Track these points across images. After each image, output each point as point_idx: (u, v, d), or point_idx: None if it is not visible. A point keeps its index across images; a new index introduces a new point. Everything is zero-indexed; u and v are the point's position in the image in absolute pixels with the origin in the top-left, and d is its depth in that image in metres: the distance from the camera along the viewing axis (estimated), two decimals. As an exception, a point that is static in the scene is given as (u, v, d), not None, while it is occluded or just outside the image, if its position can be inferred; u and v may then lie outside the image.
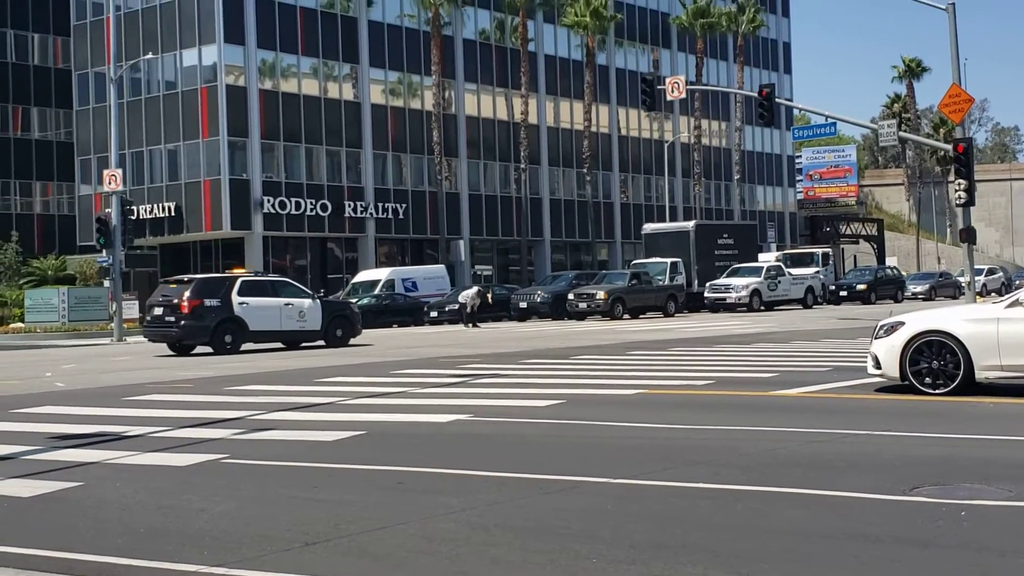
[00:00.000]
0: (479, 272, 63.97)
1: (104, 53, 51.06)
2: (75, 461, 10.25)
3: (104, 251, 41.52)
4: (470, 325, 40.83)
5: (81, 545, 6.87)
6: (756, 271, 49.77)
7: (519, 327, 40.74)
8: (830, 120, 41.57)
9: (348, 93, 60.36)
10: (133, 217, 45.31)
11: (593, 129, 69.86)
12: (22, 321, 49.92)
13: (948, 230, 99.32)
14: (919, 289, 60.54)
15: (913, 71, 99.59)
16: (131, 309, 45.27)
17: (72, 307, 48.10)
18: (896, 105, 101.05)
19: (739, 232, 56.60)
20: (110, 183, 40.71)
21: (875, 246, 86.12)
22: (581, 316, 44.23)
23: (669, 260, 48.84)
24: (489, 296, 44.48)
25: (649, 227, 55.51)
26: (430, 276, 51.80)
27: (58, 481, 9.13)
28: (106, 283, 44.15)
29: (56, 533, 7.27)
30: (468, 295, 41.95)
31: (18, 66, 67.68)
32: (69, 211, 65.44)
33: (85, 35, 60.37)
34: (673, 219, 67.71)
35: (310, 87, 58.68)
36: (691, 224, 53.88)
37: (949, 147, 36.23)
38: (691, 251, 50.78)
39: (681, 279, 48.67)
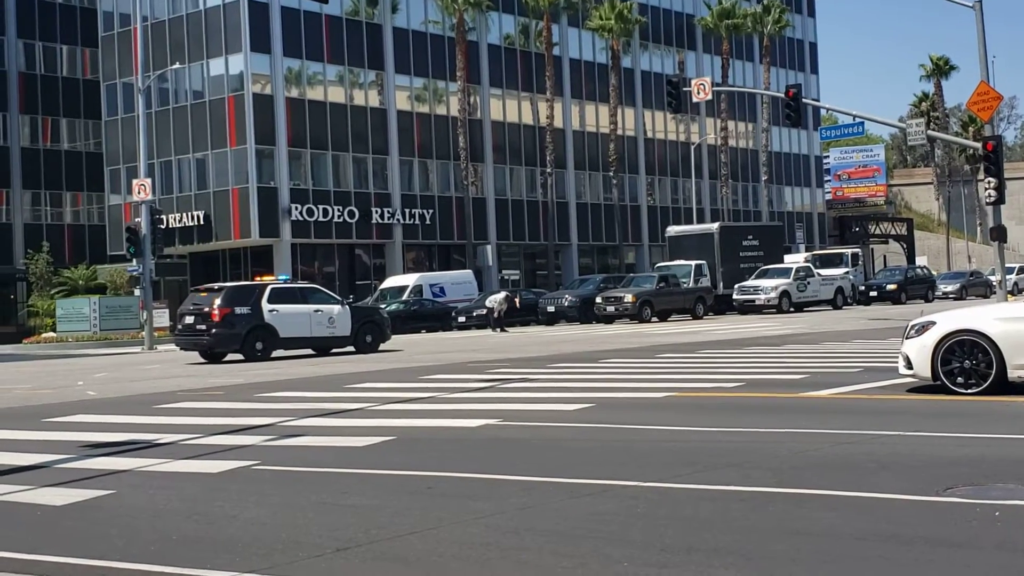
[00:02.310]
0: (506, 277, 64.01)
1: (132, 64, 51.43)
2: (107, 469, 10.32)
3: (134, 260, 41.82)
4: (498, 330, 40.84)
5: (114, 553, 6.91)
6: (785, 272, 49.51)
7: (547, 331, 40.71)
8: (858, 120, 41.54)
9: (374, 100, 60.54)
10: (162, 226, 45.46)
11: (619, 132, 69.78)
12: (54, 330, 50.33)
13: (978, 229, 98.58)
14: (950, 288, 60.07)
15: (941, 69, 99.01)
16: (162, 317, 45.58)
17: (103, 316, 48.46)
18: (924, 104, 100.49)
19: (764, 233, 56.35)
20: (139, 192, 41.01)
21: (905, 246, 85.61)
22: (609, 319, 44.15)
23: (694, 262, 48.62)
24: (516, 300, 44.51)
25: (673, 229, 55.35)
26: (457, 281, 51.87)
27: (91, 489, 9.19)
28: (137, 292, 44.43)
29: (89, 541, 7.31)
30: (496, 300, 41.98)
31: (47, 78, 68.21)
32: (99, 221, 65.88)
33: (113, 46, 60.82)
34: (700, 221, 67.52)
35: (336, 94, 58.89)
36: (715, 226, 53.68)
37: (978, 145, 35.99)
38: (716, 253, 50.57)
39: (706, 281, 48.45)
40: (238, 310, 28.22)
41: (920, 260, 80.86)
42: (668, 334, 33.10)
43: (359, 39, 59.69)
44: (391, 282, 51.78)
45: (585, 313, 45.51)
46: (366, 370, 22.54)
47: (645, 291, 44.64)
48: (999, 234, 33.36)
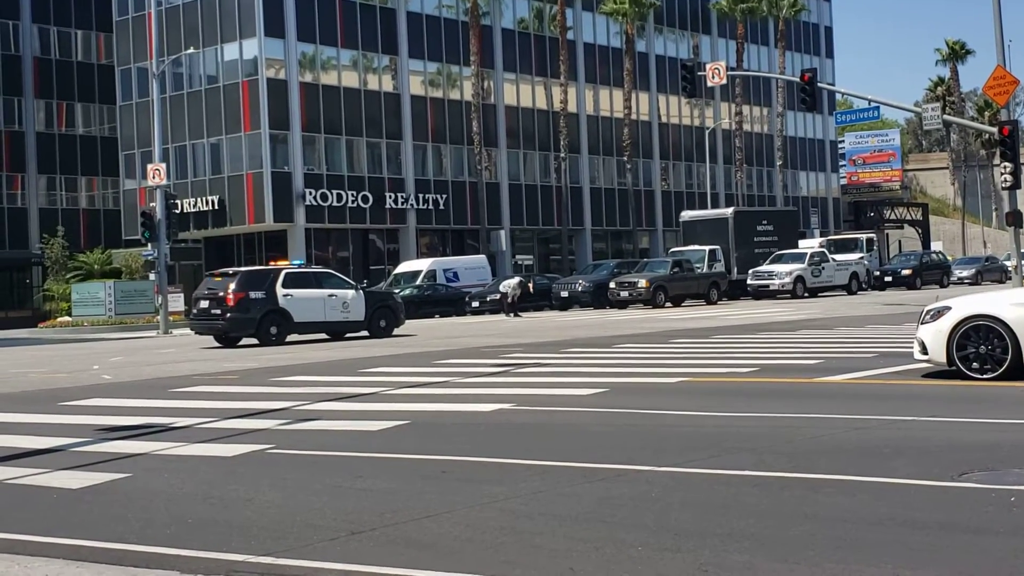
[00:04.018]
0: (520, 262, 64.00)
1: (146, 48, 51.44)
2: (123, 452, 10.36)
3: (149, 245, 41.96)
4: (511, 315, 40.83)
5: (130, 536, 6.94)
6: (800, 257, 49.39)
7: (560, 316, 40.71)
8: (873, 104, 41.32)
9: (388, 85, 60.49)
10: (177, 211, 45.61)
11: (633, 117, 69.60)
12: (69, 315, 50.48)
13: (994, 214, 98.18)
14: (965, 274, 59.90)
15: (957, 54, 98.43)
16: (176, 302, 45.69)
17: (118, 300, 48.56)
18: (940, 88, 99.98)
19: (778, 218, 56.17)
20: (154, 177, 41.12)
21: (920, 231, 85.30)
22: (623, 305, 44.11)
23: (707, 248, 48.53)
24: (530, 285, 44.51)
25: (687, 214, 55.23)
26: (471, 266, 51.87)
27: (107, 472, 9.23)
28: (152, 276, 44.56)
29: (106, 524, 7.35)
30: (510, 285, 41.94)
31: (62, 62, 68.32)
32: (114, 206, 66.08)
33: (127, 31, 60.88)
34: (715, 206, 67.36)
35: (350, 79, 58.86)
36: (729, 211, 53.54)
37: (994, 130, 35.81)
38: (730, 238, 50.44)
39: (720, 266, 48.37)
40: (252, 294, 28.31)
41: (935, 245, 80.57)
42: (682, 319, 33.07)
43: (373, 23, 59.63)
44: (405, 267, 51.81)
45: (599, 298, 45.46)
46: (380, 355, 22.58)
47: (659, 276, 44.57)
48: (1015, 219, 33.22)
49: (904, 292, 50.34)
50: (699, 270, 46.87)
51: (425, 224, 61.08)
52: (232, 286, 28.34)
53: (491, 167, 64.23)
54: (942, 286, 53.43)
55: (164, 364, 22.69)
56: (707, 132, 73.91)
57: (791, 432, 10.03)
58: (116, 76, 62.26)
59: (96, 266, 57.32)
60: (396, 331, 30.49)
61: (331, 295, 29.37)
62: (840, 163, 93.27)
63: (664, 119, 74.78)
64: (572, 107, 67.38)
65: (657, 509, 7.11)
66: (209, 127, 57.16)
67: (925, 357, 13.71)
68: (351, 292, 29.83)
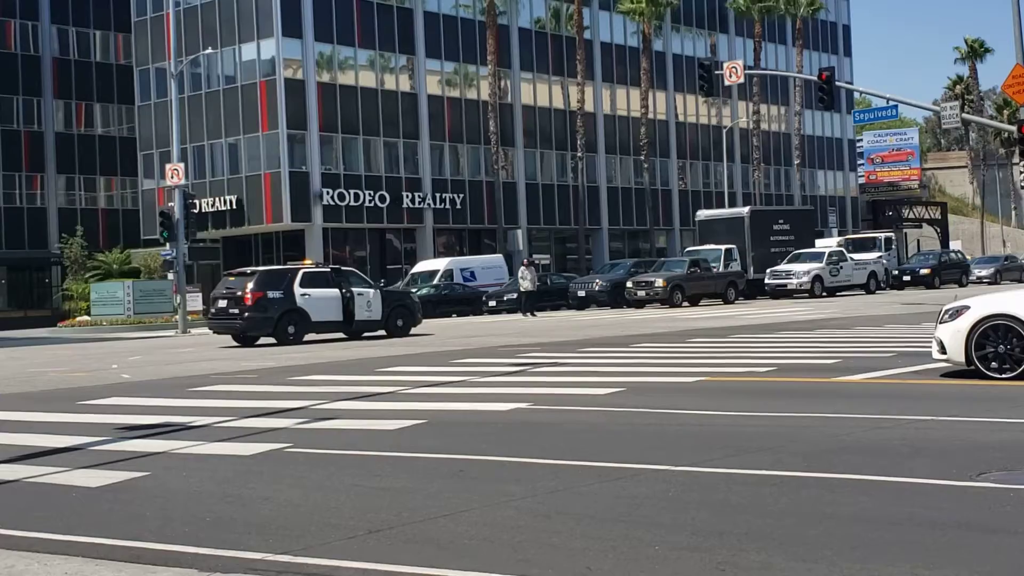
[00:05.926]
0: (537, 261, 64.02)
1: (164, 49, 51.71)
2: (142, 451, 10.40)
3: (168, 244, 42.10)
4: (528, 314, 40.80)
5: (148, 534, 6.97)
6: (818, 256, 49.24)
7: (577, 316, 40.68)
8: (891, 103, 41.04)
9: (405, 84, 60.58)
10: (195, 210, 45.81)
11: (650, 116, 69.50)
12: (88, 314, 50.69)
13: (1013, 213, 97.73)
14: (984, 273, 59.62)
15: (976, 52, 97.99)
16: (195, 301, 45.85)
17: (137, 300, 48.74)
18: (959, 87, 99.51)
19: (795, 217, 55.98)
20: (172, 177, 41.27)
21: (939, 230, 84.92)
22: (640, 304, 44.05)
23: (724, 247, 48.43)
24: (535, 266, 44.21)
25: (703, 213, 55.10)
26: (488, 266, 51.93)
27: (125, 471, 9.27)
28: (170, 276, 44.72)
29: (124, 522, 7.38)
30: (522, 276, 41.34)
31: (81, 63, 68.62)
32: (133, 205, 66.36)
33: (146, 31, 61.13)
34: (732, 205, 67.20)
35: (367, 79, 58.96)
36: (746, 210, 53.39)
37: (1013, 128, 35.64)
38: (746, 237, 50.31)
39: (736, 266, 48.24)
40: (270, 294, 28.40)
41: (954, 244, 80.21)
42: (699, 319, 33.01)
43: (390, 23, 59.71)
44: (422, 266, 51.89)
45: (616, 298, 45.41)
46: (397, 354, 22.61)
47: (676, 276, 44.48)
48: (1035, 218, 33.05)
49: (923, 291, 50.14)
50: (716, 269, 46.77)
51: (442, 223, 61.15)
52: (250, 285, 28.43)
53: (508, 166, 64.26)
54: (961, 285, 53.22)
55: (182, 363, 22.76)
56: (724, 131, 73.75)
57: (809, 432, 10.01)
58: (135, 76, 62.52)
59: (115, 266, 57.52)
60: (413, 330, 30.53)
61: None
62: (858, 162, 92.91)
63: (681, 118, 74.66)
64: (589, 106, 67.35)
65: (674, 508, 7.10)
66: (227, 127, 57.35)
67: (944, 357, 13.66)
68: (369, 291, 29.89)
